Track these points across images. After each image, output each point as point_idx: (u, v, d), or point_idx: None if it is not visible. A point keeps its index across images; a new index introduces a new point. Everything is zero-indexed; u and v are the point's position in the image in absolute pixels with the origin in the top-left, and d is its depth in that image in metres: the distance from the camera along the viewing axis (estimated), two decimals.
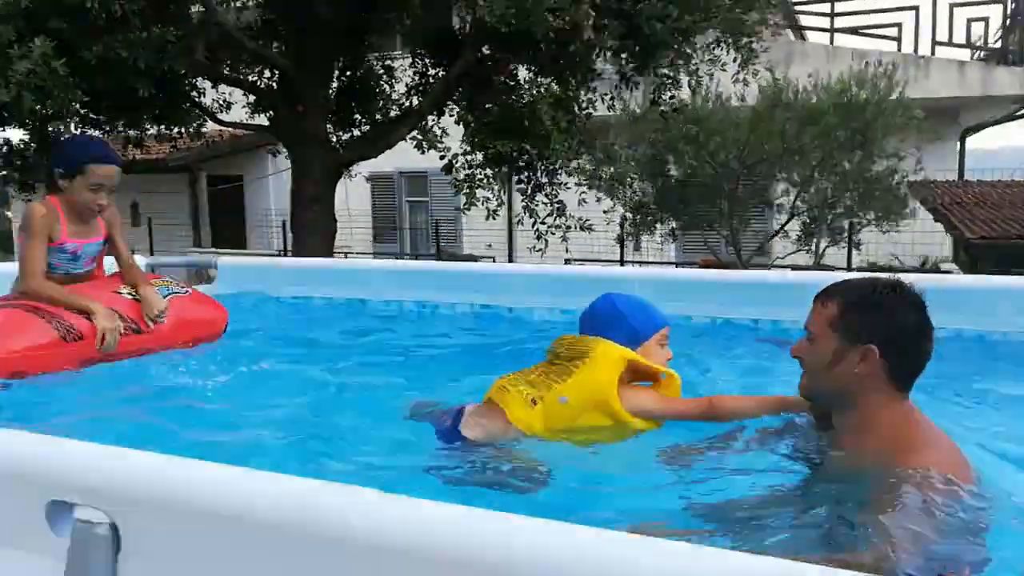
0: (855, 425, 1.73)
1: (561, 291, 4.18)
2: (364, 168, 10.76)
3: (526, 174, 7.86)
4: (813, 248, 10.57)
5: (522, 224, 7.97)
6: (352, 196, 15.78)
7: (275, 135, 8.72)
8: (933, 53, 14.16)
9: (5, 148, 10.63)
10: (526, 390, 2.03)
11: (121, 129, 9.10)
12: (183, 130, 9.00)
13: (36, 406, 2.54)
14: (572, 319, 4.04)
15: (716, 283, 4.28)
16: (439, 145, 7.95)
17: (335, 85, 9.33)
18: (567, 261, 14.62)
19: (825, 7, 15.58)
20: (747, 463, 1.87)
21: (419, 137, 7.83)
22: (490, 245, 16.32)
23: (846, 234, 11.11)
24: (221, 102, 9.70)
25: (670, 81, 7.96)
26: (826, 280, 4.16)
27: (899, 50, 14.43)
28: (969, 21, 13.92)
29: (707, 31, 7.89)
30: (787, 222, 10.48)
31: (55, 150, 2.99)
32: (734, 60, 8.12)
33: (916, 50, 14.27)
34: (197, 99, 8.95)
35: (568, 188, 8.13)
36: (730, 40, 7.97)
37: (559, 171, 7.65)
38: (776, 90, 9.29)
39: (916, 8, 14.20)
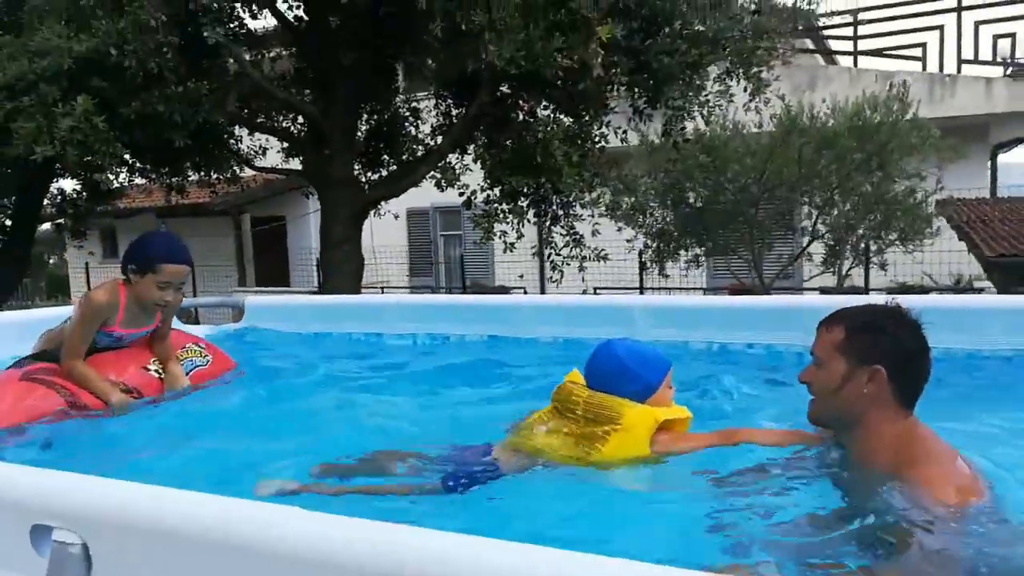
0: (865, 445, 1.82)
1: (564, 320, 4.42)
2: (401, 204, 11.11)
3: (542, 207, 8.11)
4: (837, 270, 10.60)
5: (536, 256, 8.20)
6: (389, 232, 16.24)
7: (306, 178, 9.14)
8: (959, 71, 14.14)
9: (59, 198, 11.30)
10: (564, 452, 2.10)
11: (164, 177, 9.65)
12: (220, 176, 9.49)
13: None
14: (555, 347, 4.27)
15: (711, 309, 4.47)
16: (456, 183, 8.26)
17: (364, 128, 9.78)
18: (595, 290, 14.84)
19: (849, 30, 15.70)
20: (780, 488, 1.92)
21: (438, 176, 8.14)
22: (521, 276, 16.57)
23: (871, 255, 11.11)
24: (257, 148, 10.21)
25: (681, 113, 8.17)
26: (807, 304, 4.31)
27: (924, 69, 14.44)
28: (995, 38, 13.88)
29: (716, 63, 8.10)
30: (808, 245, 10.54)
31: (130, 246, 3.09)
32: (745, 90, 8.31)
33: (941, 69, 14.26)
34: (234, 146, 9.46)
35: (583, 219, 8.36)
36: (740, 71, 8.16)
37: (573, 203, 7.88)
38: (791, 116, 9.42)
39: (941, 27, 14.22)
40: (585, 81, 7.26)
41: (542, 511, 1.90)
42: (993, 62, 13.96)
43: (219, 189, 10.32)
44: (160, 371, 3.24)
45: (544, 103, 7.87)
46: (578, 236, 8.33)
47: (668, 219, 10.84)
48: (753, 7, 7.88)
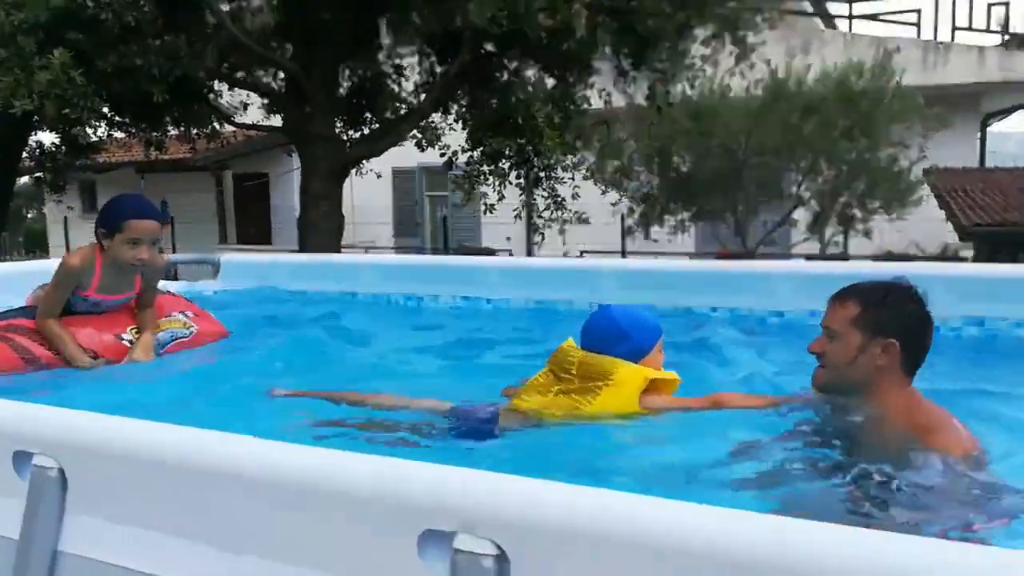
0: (874, 412, 1.92)
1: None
2: (385, 163, 11.01)
3: (524, 169, 8.08)
4: (820, 237, 10.66)
5: (519, 218, 8.21)
6: (374, 191, 16.16)
7: (285, 135, 9.06)
8: (953, 39, 14.07)
9: (38, 151, 11.16)
10: (555, 411, 2.18)
11: (143, 132, 9.54)
12: (199, 132, 9.39)
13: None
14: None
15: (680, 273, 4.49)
16: (438, 143, 8.21)
17: (347, 85, 9.67)
18: (581, 253, 14.88)
19: None
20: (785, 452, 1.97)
21: (418, 135, 8.08)
22: (509, 238, 16.56)
23: (855, 222, 11.16)
24: (237, 104, 10.09)
25: (665, 76, 8.12)
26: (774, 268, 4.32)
27: (918, 36, 14.36)
28: (989, 6, 13.80)
29: (703, 27, 8.04)
30: (791, 211, 10.58)
31: (100, 211, 3.02)
32: (730, 54, 8.27)
33: (936, 36, 14.19)
34: (213, 102, 9.34)
35: (564, 182, 8.33)
36: (726, 35, 8.11)
37: (554, 166, 7.86)
38: (777, 81, 9.38)
39: None
40: (568, 42, 7.21)
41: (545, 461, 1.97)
42: (987, 30, 13.91)
43: (199, 145, 10.20)
44: (133, 341, 3.15)
45: (528, 63, 7.79)
46: (560, 199, 8.32)
47: (654, 184, 10.83)
48: None
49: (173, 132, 10.06)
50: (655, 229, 11.97)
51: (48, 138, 11.24)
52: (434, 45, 8.81)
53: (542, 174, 8.12)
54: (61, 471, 1.40)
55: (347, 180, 9.20)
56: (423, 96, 8.53)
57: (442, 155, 8.31)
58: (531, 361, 2.62)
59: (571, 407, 2.17)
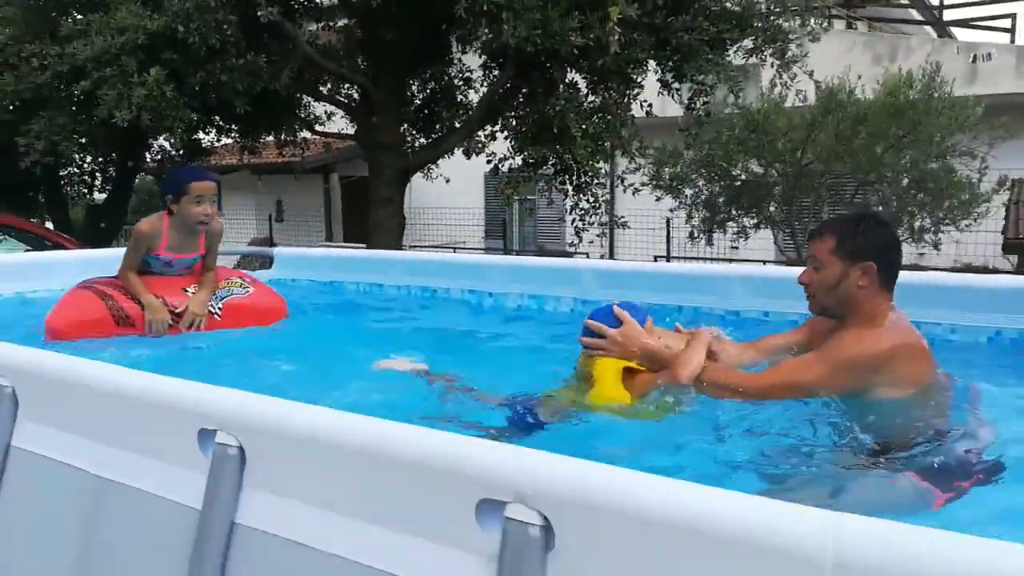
0: (852, 327, 2.22)
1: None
2: (476, 167, 11.66)
3: (566, 176, 8.62)
4: None
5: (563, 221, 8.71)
6: (468, 193, 17.07)
7: (358, 143, 9.97)
8: None
9: (159, 155, 12.64)
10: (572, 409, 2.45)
11: (239, 138, 10.74)
12: (285, 138, 10.48)
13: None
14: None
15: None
16: (482, 151, 8.86)
17: (421, 95, 10.52)
18: (655, 258, 15.18)
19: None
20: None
21: (465, 145, 8.76)
22: (591, 241, 17.00)
23: (925, 234, 11.00)
24: (324, 113, 11.14)
25: (704, 88, 8.45)
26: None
27: (1012, 42, 13.88)
28: None
29: (742, 40, 8.31)
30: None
31: (161, 184, 3.60)
32: (772, 66, 8.50)
33: None
34: (300, 112, 10.41)
35: (603, 185, 8.78)
36: (767, 48, 8.35)
37: (588, 173, 8.35)
38: (830, 92, 9.50)
39: None
40: (604, 58, 7.69)
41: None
42: None
43: (285, 152, 11.31)
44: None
45: (566, 78, 8.33)
46: (597, 204, 8.80)
47: (711, 191, 11.10)
48: None
49: (269, 138, 11.25)
50: (716, 236, 12.17)
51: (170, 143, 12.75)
52: (495, 59, 9.49)
53: (583, 180, 8.62)
54: (241, 448, 1.53)
55: (438, 184, 10.05)
56: (471, 109, 9.20)
57: (488, 162, 8.97)
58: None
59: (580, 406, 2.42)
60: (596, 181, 8.68)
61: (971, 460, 1.94)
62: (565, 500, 1.22)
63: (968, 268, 12.26)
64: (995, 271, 10.97)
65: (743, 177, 10.97)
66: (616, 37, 7.44)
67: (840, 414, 2.13)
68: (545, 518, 1.22)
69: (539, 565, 1.24)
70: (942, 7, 14.88)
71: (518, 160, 8.74)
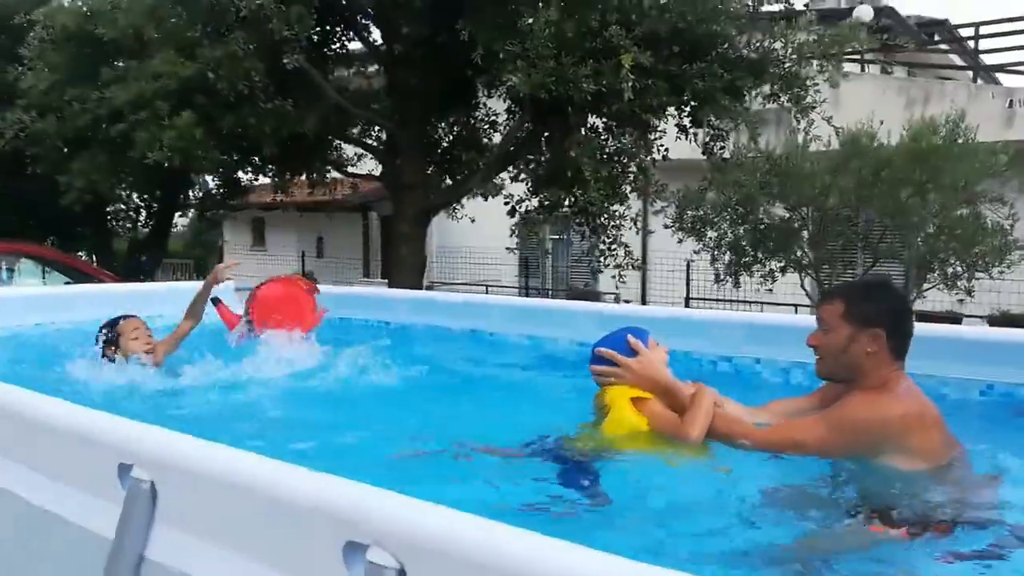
0: (861, 391, 2.17)
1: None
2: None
3: (583, 218, 8.74)
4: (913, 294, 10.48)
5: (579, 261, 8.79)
6: (503, 235, 17.29)
7: (383, 183, 10.25)
8: None
9: (201, 193, 13.13)
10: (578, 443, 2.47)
11: (273, 177, 11.14)
12: (314, 178, 10.83)
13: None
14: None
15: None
16: (498, 194, 9.04)
17: (450, 137, 10.80)
18: (686, 302, 15.13)
19: (972, 42, 14.96)
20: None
21: (482, 189, 8.94)
22: (624, 282, 17.03)
23: (957, 280, 10.80)
24: (353, 155, 11.49)
25: (721, 133, 8.53)
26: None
27: None
28: None
29: (758, 87, 8.39)
30: (872, 265, 10.48)
31: None
32: (789, 111, 8.54)
33: None
34: (331, 154, 10.77)
35: (620, 228, 8.85)
36: (784, 95, 8.41)
37: (599, 216, 8.44)
38: (852, 137, 9.48)
39: None
40: (618, 104, 7.83)
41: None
42: None
43: (317, 191, 11.68)
44: None
45: (584, 123, 8.49)
46: (612, 246, 8.88)
47: (735, 233, 11.09)
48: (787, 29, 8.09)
49: (303, 177, 11.63)
50: (743, 279, 12.09)
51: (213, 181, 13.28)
52: (518, 103, 9.71)
53: (599, 222, 8.73)
54: (152, 484, 1.56)
55: (476, 224, 10.25)
56: (493, 151, 9.42)
57: (505, 203, 9.14)
58: None
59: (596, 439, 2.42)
60: (612, 223, 8.77)
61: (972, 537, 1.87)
62: (418, 546, 1.23)
63: (1006, 316, 11.97)
64: None
65: (766, 221, 10.93)
66: (629, 84, 7.57)
67: (844, 475, 2.14)
68: (400, 563, 1.23)
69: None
70: (976, 52, 14.74)
71: (534, 202, 8.89)
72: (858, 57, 15.89)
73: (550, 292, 19.41)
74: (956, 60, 18.36)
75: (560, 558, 1.11)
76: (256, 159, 10.61)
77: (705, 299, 14.61)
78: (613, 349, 2.50)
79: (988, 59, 15.20)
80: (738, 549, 1.83)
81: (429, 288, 17.40)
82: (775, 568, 1.78)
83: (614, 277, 8.91)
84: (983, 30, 15.00)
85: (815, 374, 2.36)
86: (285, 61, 7.92)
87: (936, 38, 18.78)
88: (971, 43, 15.87)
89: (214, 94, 8.18)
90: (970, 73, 16.54)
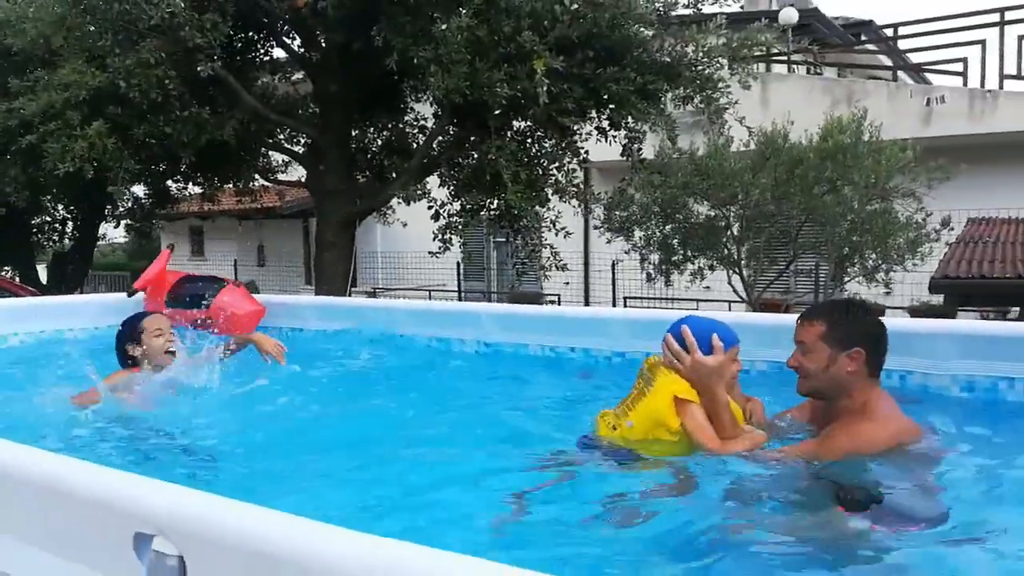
0: (851, 411, 2.28)
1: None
2: None
3: (504, 222, 8.82)
4: (819, 289, 10.77)
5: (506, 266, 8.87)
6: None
7: (308, 189, 10.22)
8: (1001, 87, 13.79)
9: (131, 204, 12.90)
10: (611, 419, 2.48)
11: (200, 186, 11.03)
12: (239, 186, 10.74)
13: None
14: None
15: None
16: (421, 199, 9.08)
17: (378, 142, 10.79)
18: (625, 301, 15.33)
19: (888, 45, 15.48)
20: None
21: (403, 193, 8.97)
22: (568, 283, 17.19)
23: (879, 273, 11.13)
24: (282, 162, 11.42)
25: (637, 135, 8.69)
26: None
27: (965, 85, 14.15)
28: None
29: (674, 90, 8.55)
30: (790, 263, 10.77)
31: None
32: (703, 114, 8.73)
33: (983, 84, 13.95)
34: (256, 161, 10.68)
35: (541, 230, 8.96)
36: (696, 96, 8.60)
37: (521, 219, 8.53)
38: (768, 137, 9.73)
39: (983, 42, 13.89)
40: (533, 108, 7.93)
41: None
42: None
43: (244, 199, 11.58)
44: None
45: (506, 127, 8.57)
46: (535, 248, 8.97)
47: (663, 232, 11.30)
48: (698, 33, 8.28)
49: (228, 187, 11.51)
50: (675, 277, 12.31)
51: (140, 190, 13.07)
52: (441, 107, 9.75)
53: (521, 225, 8.81)
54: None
55: (416, 228, 10.21)
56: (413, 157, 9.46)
57: (429, 207, 9.19)
58: None
59: (622, 415, 2.45)
60: (534, 226, 8.87)
61: (922, 509, 2.01)
62: (193, 535, 1.32)
63: (928, 307, 12.38)
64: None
65: (691, 220, 11.16)
66: (544, 88, 7.66)
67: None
68: (180, 551, 1.32)
69: None
70: (897, 52, 15.22)
71: (456, 206, 8.95)
72: (784, 59, 16.32)
73: (494, 295, 19.51)
74: (885, 60, 18.91)
75: (322, 543, 1.19)
76: (182, 167, 10.50)
77: (640, 298, 14.85)
78: (697, 336, 2.42)
79: (915, 59, 15.68)
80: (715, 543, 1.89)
81: (372, 295, 17.40)
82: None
83: (545, 279, 9.01)
84: (903, 30, 15.52)
85: (797, 392, 2.43)
86: (199, 69, 7.86)
87: (863, 38, 19.34)
88: (893, 43, 16.37)
89: (127, 103, 8.08)
90: (902, 73, 17.08)
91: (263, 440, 2.92)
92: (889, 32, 16.29)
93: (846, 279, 11.39)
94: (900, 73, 16.34)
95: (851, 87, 14.91)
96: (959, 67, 14.10)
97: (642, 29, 8.21)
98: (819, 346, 2.30)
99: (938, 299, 11.77)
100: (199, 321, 4.94)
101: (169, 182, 11.71)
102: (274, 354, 3.61)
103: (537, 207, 8.48)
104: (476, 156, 8.40)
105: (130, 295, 5.00)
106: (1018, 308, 8.85)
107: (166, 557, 1.35)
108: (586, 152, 9.11)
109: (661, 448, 2.36)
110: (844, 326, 2.30)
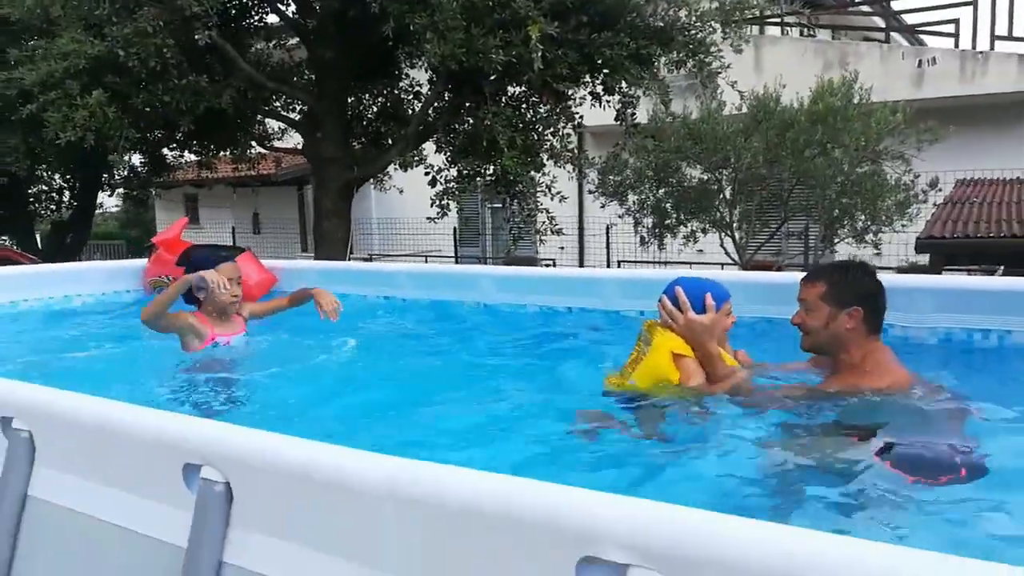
0: (850, 366, 2.43)
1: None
2: None
3: (502, 187, 8.95)
4: (809, 250, 10.97)
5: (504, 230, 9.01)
6: None
7: (305, 157, 10.31)
8: (992, 48, 13.87)
9: (128, 172, 12.96)
10: (616, 380, 2.63)
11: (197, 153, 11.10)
12: (236, 153, 10.82)
13: None
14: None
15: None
16: (417, 164, 9.20)
17: (374, 109, 10.86)
18: (619, 263, 15.52)
19: (882, 6, 15.50)
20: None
21: (400, 159, 9.07)
22: (563, 248, 17.35)
23: (869, 234, 11.33)
24: (279, 129, 11.48)
25: (631, 100, 8.79)
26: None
27: (956, 47, 14.22)
28: None
29: (667, 54, 8.64)
30: (781, 225, 10.95)
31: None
32: (696, 78, 8.83)
33: (974, 46, 14.01)
34: (252, 128, 10.75)
35: (537, 194, 9.10)
36: (689, 61, 8.69)
37: (516, 184, 8.66)
38: (760, 101, 9.84)
39: (975, 3, 13.93)
40: (529, 73, 8.02)
41: None
42: None
43: (242, 167, 11.65)
44: None
45: (502, 93, 8.66)
46: (531, 212, 9.11)
47: (656, 196, 11.45)
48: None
49: (225, 154, 11.58)
50: (668, 240, 12.48)
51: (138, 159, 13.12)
52: (436, 73, 9.82)
53: (517, 190, 8.95)
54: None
55: (412, 194, 10.31)
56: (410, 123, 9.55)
57: (426, 174, 9.30)
58: None
59: (626, 374, 2.59)
60: (530, 191, 9.01)
61: (950, 459, 2.06)
62: (237, 463, 1.50)
63: (915, 267, 12.60)
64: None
65: (684, 184, 11.31)
66: (539, 54, 7.74)
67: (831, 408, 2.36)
68: (227, 478, 1.49)
69: (222, 516, 1.50)
70: (890, 13, 15.25)
71: (453, 172, 9.08)
72: (778, 21, 16.31)
73: (489, 259, 19.66)
74: (880, 23, 18.91)
75: (370, 466, 1.36)
76: (178, 136, 10.56)
77: (635, 262, 15.03)
78: (689, 296, 2.57)
79: (909, 20, 15.72)
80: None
81: (368, 260, 17.54)
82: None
83: (542, 242, 9.17)
84: None
85: (800, 348, 2.58)
86: (196, 37, 7.91)
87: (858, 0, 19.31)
88: (887, 4, 16.37)
89: (126, 72, 8.13)
90: (896, 35, 17.09)
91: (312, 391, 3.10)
92: None
93: (836, 240, 11.60)
94: (895, 35, 16.37)
95: (844, 49, 14.96)
96: (951, 28, 14.16)
97: None
98: (819, 305, 2.45)
99: (926, 259, 12.03)
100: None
101: (165, 150, 11.78)
102: (328, 311, 3.54)
103: (533, 172, 8.60)
104: (472, 122, 8.49)
105: (149, 251, 5.12)
106: (1002, 267, 9.05)
107: (214, 484, 1.51)
108: (581, 117, 9.22)
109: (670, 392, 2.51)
110: (843, 286, 2.44)
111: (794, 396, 2.48)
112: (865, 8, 19.14)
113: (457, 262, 17.86)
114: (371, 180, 10.62)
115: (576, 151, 9.36)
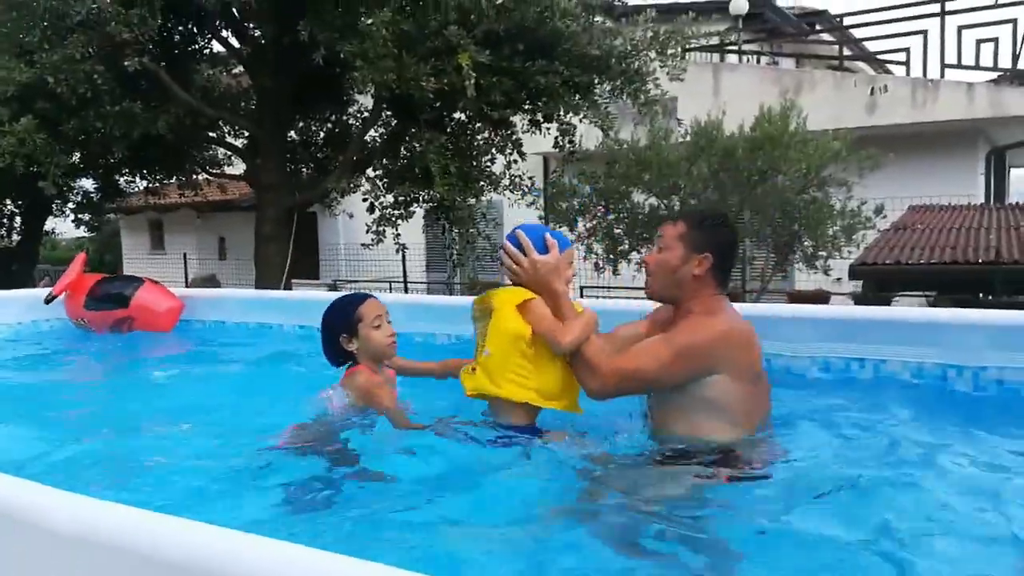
0: (692, 312, 2.38)
1: None
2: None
3: (437, 214, 8.92)
4: (764, 278, 10.98)
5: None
6: (412, 229, 17.40)
7: (247, 182, 10.26)
8: (942, 76, 14.07)
9: (80, 198, 12.85)
10: (469, 368, 2.51)
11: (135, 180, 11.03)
12: (179, 179, 10.77)
13: None
14: None
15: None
16: (354, 192, 9.17)
17: (322, 135, 10.84)
18: (581, 290, 15.47)
19: (841, 34, 15.72)
20: None
21: (334, 185, 9.03)
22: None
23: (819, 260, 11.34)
24: (225, 155, 11.44)
25: (569, 127, 8.82)
26: None
27: (907, 74, 14.41)
28: (978, 43, 13.69)
29: (603, 83, 8.68)
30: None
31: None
32: (632, 107, 8.87)
33: (925, 74, 14.20)
34: (195, 155, 10.71)
35: (476, 222, 9.08)
36: (625, 90, 8.74)
37: (454, 211, 8.63)
38: (701, 129, 9.88)
39: (925, 32, 14.14)
40: (463, 101, 8.04)
41: None
42: (976, 67, 13.80)
43: (187, 193, 11.59)
44: None
45: (446, 120, 8.68)
46: (470, 238, 9.08)
47: (607, 223, 11.42)
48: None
49: (172, 180, 11.52)
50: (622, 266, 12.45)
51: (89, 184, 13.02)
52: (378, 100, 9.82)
53: (455, 216, 8.91)
54: None
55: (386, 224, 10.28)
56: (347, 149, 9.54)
57: (364, 199, 9.27)
58: None
59: (476, 353, 2.49)
60: (469, 217, 8.99)
61: (764, 449, 2.19)
62: None
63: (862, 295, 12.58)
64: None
65: (635, 211, 11.30)
66: (471, 82, 7.76)
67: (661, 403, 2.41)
68: None
69: None
70: (845, 42, 15.46)
71: (389, 198, 9.05)
72: (735, 49, 16.50)
73: (457, 285, 19.60)
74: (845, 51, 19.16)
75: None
76: (111, 161, 10.42)
77: (595, 287, 15.01)
78: (531, 238, 2.51)
79: (872, 47, 15.92)
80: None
81: (333, 287, 17.44)
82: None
83: (475, 268, 9.15)
84: (851, 20, 15.76)
85: (645, 294, 2.57)
86: (127, 64, 7.88)
87: (818, 28, 19.56)
88: (841, 32, 16.60)
89: (55, 98, 8.09)
90: (857, 62, 17.30)
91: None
92: (850, 19, 16.50)
93: (786, 267, 11.62)
94: (852, 62, 16.57)
95: (800, 76, 15.12)
96: (903, 56, 14.35)
97: (569, 23, 8.31)
98: (675, 244, 2.42)
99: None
100: (119, 320, 5.04)
101: (117, 176, 11.70)
102: None
103: (471, 199, 8.58)
104: (409, 149, 8.48)
105: (48, 301, 5.05)
106: (935, 293, 9.09)
107: None
108: (521, 144, 9.22)
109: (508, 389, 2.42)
110: (700, 230, 2.42)
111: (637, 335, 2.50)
112: (826, 36, 19.44)
113: (428, 290, 17.87)
114: (317, 205, 10.56)
115: (521, 178, 9.33)
